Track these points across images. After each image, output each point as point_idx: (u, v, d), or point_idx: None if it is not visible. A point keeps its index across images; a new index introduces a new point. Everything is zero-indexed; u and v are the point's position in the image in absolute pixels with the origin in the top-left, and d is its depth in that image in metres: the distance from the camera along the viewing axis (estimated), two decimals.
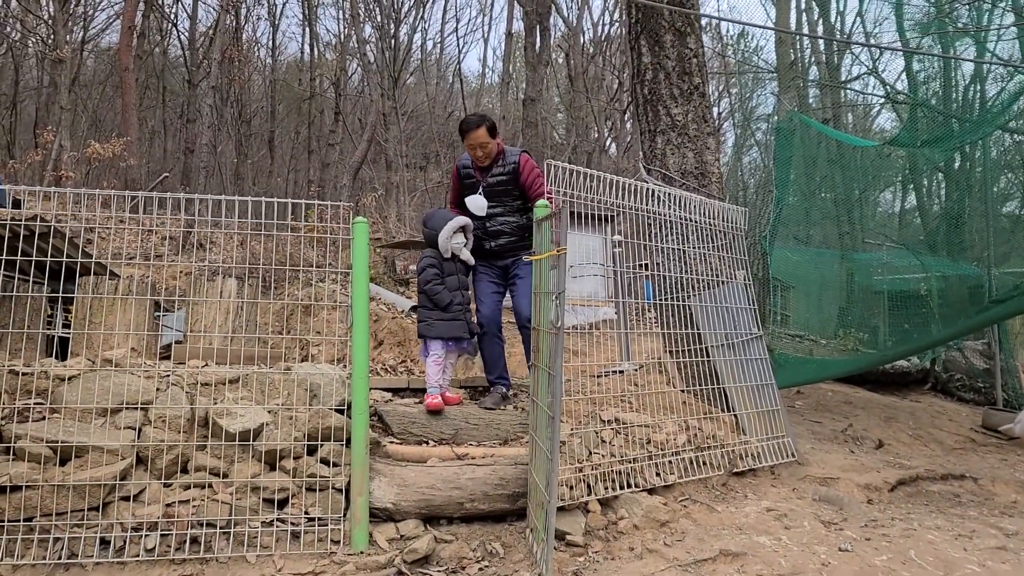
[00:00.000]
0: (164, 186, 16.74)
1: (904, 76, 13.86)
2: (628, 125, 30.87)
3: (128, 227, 4.04)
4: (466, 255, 5.00)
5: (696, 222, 5.30)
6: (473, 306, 5.26)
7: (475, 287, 5.25)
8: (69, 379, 3.77)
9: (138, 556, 3.44)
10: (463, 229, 4.97)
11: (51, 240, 4.46)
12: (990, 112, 9.38)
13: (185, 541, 3.53)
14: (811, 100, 19.30)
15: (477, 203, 5.09)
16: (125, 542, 3.45)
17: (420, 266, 4.91)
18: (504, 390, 5.26)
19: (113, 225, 3.99)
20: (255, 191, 25.71)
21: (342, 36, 29.66)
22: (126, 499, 3.55)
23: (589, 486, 4.18)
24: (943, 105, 10.56)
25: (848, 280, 11.74)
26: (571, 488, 4.08)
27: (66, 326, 6.02)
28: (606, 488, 4.21)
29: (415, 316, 5.43)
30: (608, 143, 33.19)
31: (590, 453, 4.36)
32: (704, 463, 4.72)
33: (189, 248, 11.57)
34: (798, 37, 19.92)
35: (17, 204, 3.73)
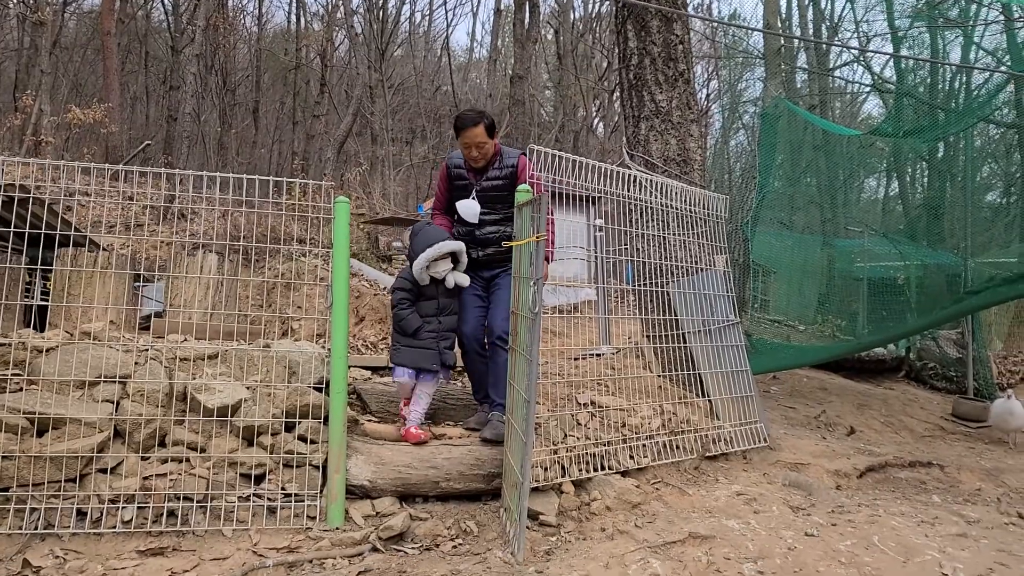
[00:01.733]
0: (146, 154, 16.55)
1: (891, 64, 13.93)
2: (616, 105, 30.80)
3: (109, 197, 4.02)
4: (459, 279, 4.41)
5: (677, 209, 5.33)
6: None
7: (459, 301, 4.77)
8: (47, 351, 3.77)
9: (115, 528, 3.47)
10: (453, 256, 4.42)
11: (30, 207, 4.43)
12: (975, 102, 9.46)
13: (162, 514, 3.56)
14: (799, 85, 19.34)
15: (471, 209, 4.60)
16: (102, 514, 3.48)
17: (393, 284, 4.44)
18: (500, 414, 4.48)
19: (96, 195, 3.98)
20: (239, 161, 25.48)
21: (329, 6, 29.34)
22: (103, 471, 3.57)
23: (563, 468, 4.24)
24: (929, 94, 10.63)
25: (829, 266, 11.86)
26: (545, 469, 4.14)
27: (45, 294, 5.99)
28: (580, 470, 4.28)
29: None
30: (596, 123, 33.14)
31: (565, 435, 4.42)
32: (677, 447, 4.80)
33: (171, 219, 11.48)
34: (788, 23, 19.92)
35: None
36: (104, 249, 6.25)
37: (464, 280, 4.42)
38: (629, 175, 4.99)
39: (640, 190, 5.09)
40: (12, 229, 3.86)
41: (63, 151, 17.66)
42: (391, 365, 4.37)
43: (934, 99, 10.33)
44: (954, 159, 10.03)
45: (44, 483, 3.44)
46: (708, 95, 31.05)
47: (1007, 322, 13.59)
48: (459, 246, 4.39)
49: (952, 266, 9.38)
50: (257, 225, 4.25)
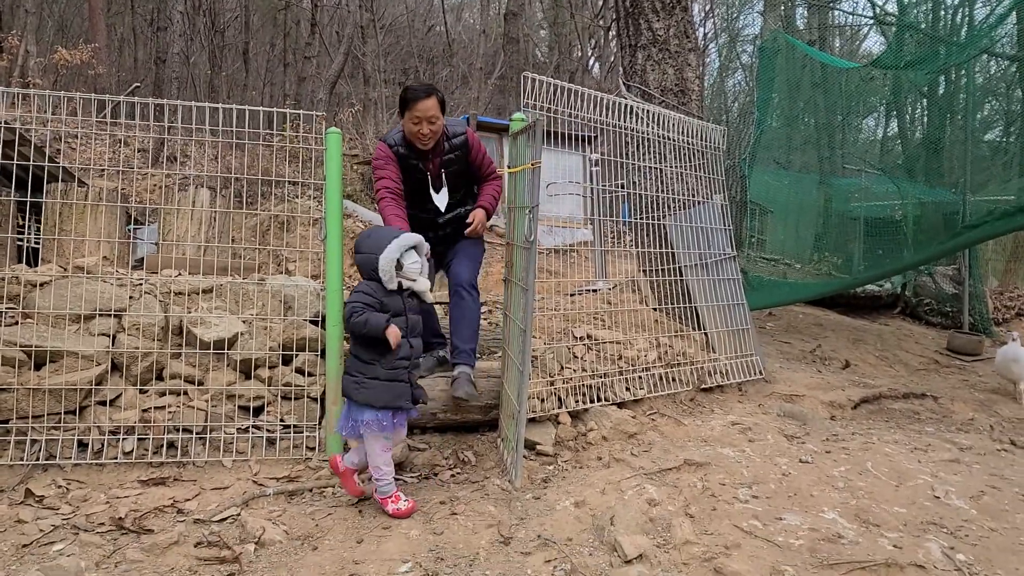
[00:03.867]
0: (135, 96, 16.28)
1: None
2: (612, 44, 30.29)
3: (97, 133, 3.96)
4: (422, 285, 3.43)
5: (674, 140, 5.26)
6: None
7: None
8: (41, 285, 3.75)
9: (116, 459, 3.51)
10: (416, 249, 3.40)
11: (17, 147, 4.36)
12: (976, 34, 9.29)
13: (162, 446, 3.60)
14: (798, 21, 19.01)
15: (443, 201, 4.13)
16: (103, 445, 3.51)
17: (347, 300, 3.34)
18: (465, 367, 4.02)
19: (88, 135, 3.91)
20: (230, 104, 25.11)
21: None
22: (102, 404, 3.59)
23: (560, 399, 4.27)
24: (931, 27, 10.43)
25: (825, 205, 11.82)
26: (542, 401, 4.17)
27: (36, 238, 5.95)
28: (577, 401, 4.31)
29: None
30: (591, 62, 32.61)
31: (562, 368, 4.45)
32: (673, 379, 4.82)
33: (162, 162, 11.35)
34: None
35: None
36: (84, 184, 6.18)
37: (427, 291, 3.49)
38: (626, 105, 4.91)
39: (637, 121, 5.01)
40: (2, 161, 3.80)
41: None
42: (353, 402, 3.25)
43: (936, 32, 10.14)
44: (955, 95, 9.91)
45: (44, 415, 3.46)
46: (705, 35, 30.56)
47: (1003, 259, 13.62)
48: (420, 238, 3.44)
49: (950, 203, 9.34)
50: (250, 166, 4.18)
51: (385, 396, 3.19)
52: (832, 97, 11.38)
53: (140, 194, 10.33)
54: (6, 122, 4.58)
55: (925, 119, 11.79)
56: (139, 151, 12.89)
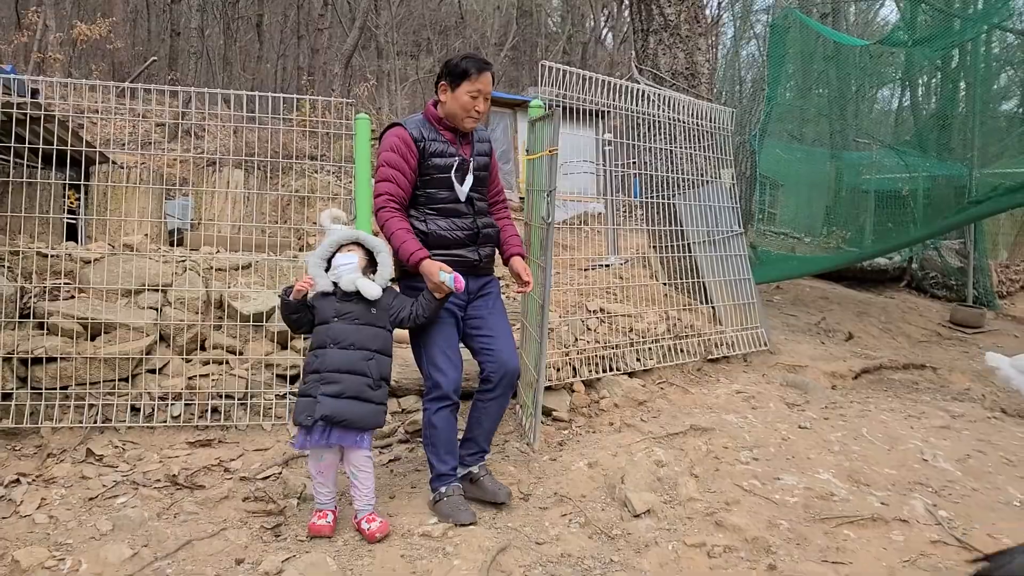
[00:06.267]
0: (151, 70, 16.45)
1: None
2: (626, 14, 30.10)
3: (125, 113, 4.20)
4: (364, 286, 2.95)
5: (684, 122, 5.45)
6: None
7: (429, 334, 3.18)
8: (93, 261, 4.03)
9: (165, 422, 3.80)
10: (360, 247, 3.05)
11: (48, 127, 4.58)
12: (988, 9, 9.31)
13: (207, 410, 3.89)
14: None
15: (467, 188, 3.27)
16: (153, 410, 3.81)
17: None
18: (485, 465, 3.36)
19: (112, 113, 4.15)
20: (244, 77, 25.21)
21: None
22: (152, 372, 3.90)
23: (574, 368, 4.54)
24: (945, 3, 10.44)
25: (836, 179, 11.90)
26: (558, 370, 4.43)
27: (70, 212, 6.21)
28: (590, 371, 4.57)
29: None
30: (604, 34, 32.43)
31: (576, 339, 4.70)
32: (681, 350, 5.07)
33: (182, 137, 11.56)
34: None
35: (35, 93, 3.78)
36: (121, 166, 6.42)
37: (374, 291, 2.96)
38: (637, 89, 5.10)
39: (648, 104, 5.21)
40: (41, 146, 4.05)
41: (70, 68, 17.57)
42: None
43: (950, 7, 10.16)
44: (969, 68, 9.92)
45: (100, 382, 3.76)
46: (720, 3, 30.31)
47: (1014, 232, 13.69)
48: (371, 239, 3.06)
49: (960, 177, 9.42)
50: (269, 142, 4.42)
51: (296, 412, 2.90)
52: (844, 71, 11.42)
53: (160, 168, 10.55)
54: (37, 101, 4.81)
55: (934, 93, 11.82)
56: (158, 125, 13.08)
